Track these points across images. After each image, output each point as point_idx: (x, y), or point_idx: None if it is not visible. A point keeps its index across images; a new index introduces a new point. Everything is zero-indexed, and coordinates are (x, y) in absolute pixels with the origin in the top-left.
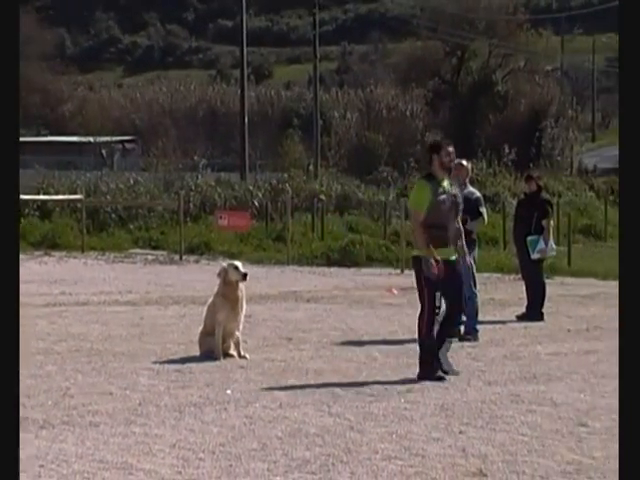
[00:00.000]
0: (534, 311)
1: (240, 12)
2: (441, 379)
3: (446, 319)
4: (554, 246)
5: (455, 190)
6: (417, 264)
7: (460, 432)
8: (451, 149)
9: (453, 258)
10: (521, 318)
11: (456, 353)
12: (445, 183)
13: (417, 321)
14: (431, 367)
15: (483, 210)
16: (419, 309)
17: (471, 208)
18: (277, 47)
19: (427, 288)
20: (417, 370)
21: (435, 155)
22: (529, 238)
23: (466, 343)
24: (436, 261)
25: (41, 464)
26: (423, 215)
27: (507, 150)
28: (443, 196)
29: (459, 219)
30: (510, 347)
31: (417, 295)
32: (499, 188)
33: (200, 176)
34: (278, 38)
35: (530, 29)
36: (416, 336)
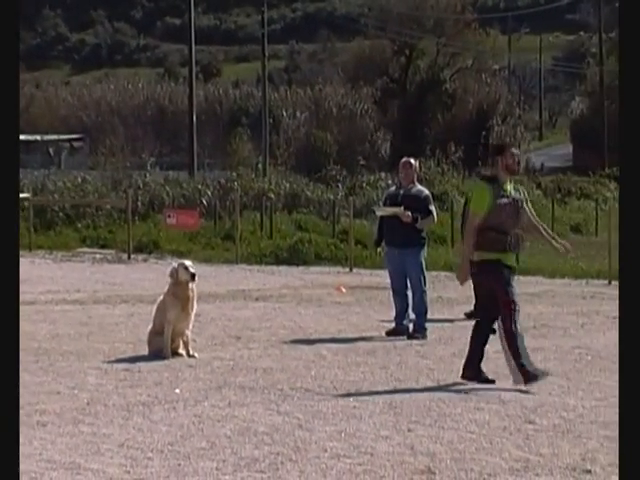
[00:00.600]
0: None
1: (188, 10)
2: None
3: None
4: None
5: (518, 195)
6: (484, 267)
7: (408, 430)
8: (516, 151)
9: (511, 263)
10: (469, 316)
11: (404, 351)
12: (508, 186)
13: (501, 331)
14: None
15: (432, 208)
16: (500, 316)
17: (421, 206)
18: (225, 45)
19: (501, 286)
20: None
21: (499, 157)
22: None
23: (415, 341)
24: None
25: None
26: (479, 219)
27: (454, 148)
28: (504, 199)
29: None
30: (458, 345)
31: (475, 300)
32: (447, 187)
33: (148, 174)
34: (226, 36)
35: (478, 28)
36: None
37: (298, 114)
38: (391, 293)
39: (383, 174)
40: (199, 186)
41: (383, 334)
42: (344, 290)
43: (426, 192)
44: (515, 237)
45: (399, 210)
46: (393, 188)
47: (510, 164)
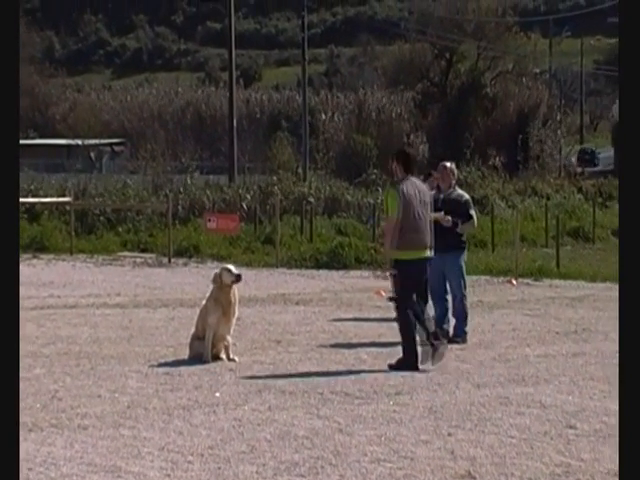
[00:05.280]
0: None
1: (228, 15)
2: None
3: None
4: None
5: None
6: None
7: (449, 434)
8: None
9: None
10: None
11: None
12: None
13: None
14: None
15: (473, 213)
16: None
17: (461, 211)
18: (266, 50)
19: None
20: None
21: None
22: None
23: (455, 345)
24: None
25: (30, 467)
26: None
27: (494, 152)
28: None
29: None
30: (499, 349)
31: None
32: (488, 190)
33: (189, 179)
34: (267, 41)
35: (518, 32)
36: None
37: (338, 118)
38: (430, 297)
39: (422, 177)
40: (239, 190)
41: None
42: (384, 294)
43: (466, 196)
44: None
45: (439, 215)
46: (433, 192)
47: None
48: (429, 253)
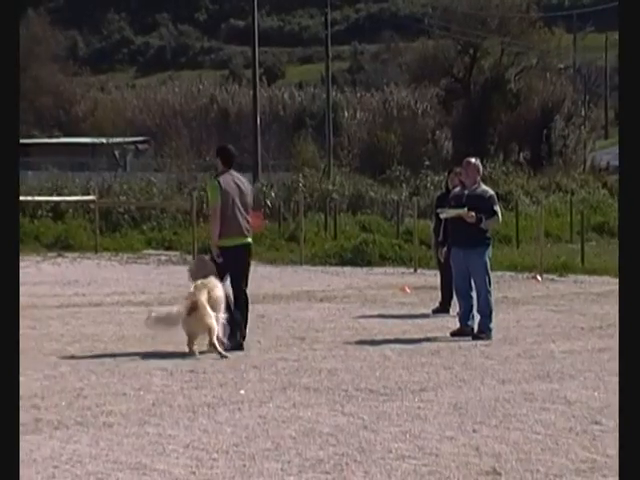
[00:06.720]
0: (445, 304)
1: (252, 12)
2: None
3: None
4: None
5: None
6: None
7: (474, 431)
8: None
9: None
10: (436, 312)
11: (469, 351)
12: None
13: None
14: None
15: (497, 208)
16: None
17: (485, 207)
18: (289, 47)
19: None
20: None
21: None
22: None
23: (479, 341)
24: None
25: (55, 465)
26: None
27: (519, 148)
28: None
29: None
30: (524, 345)
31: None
32: (512, 186)
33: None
34: (290, 38)
35: (542, 27)
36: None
37: (362, 115)
38: (455, 294)
39: (445, 174)
40: (263, 188)
41: (448, 334)
42: (408, 290)
43: (491, 192)
44: None
45: (463, 211)
46: (458, 189)
47: None
48: (249, 239)
